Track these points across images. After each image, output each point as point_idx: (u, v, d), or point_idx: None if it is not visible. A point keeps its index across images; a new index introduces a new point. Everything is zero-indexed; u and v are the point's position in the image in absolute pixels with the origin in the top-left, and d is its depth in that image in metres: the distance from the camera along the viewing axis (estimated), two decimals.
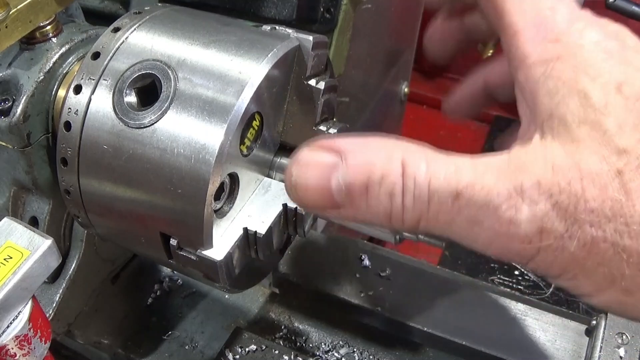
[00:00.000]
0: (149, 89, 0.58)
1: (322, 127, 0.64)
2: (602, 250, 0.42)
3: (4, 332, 0.51)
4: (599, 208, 0.42)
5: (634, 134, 0.42)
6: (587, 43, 0.46)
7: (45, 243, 0.53)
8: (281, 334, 0.92)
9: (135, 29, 0.61)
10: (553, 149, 0.44)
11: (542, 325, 0.86)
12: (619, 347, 0.78)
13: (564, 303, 1.42)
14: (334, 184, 0.48)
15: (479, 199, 0.45)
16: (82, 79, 0.59)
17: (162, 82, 0.56)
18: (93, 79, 0.59)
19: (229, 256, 0.57)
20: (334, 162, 0.48)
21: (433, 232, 0.48)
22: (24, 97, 0.63)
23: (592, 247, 0.43)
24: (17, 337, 0.52)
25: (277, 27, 0.61)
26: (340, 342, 0.90)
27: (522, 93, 0.49)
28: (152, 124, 0.55)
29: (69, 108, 0.59)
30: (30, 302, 0.53)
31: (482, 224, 0.45)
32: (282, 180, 0.65)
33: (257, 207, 0.62)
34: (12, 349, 0.52)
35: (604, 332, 0.80)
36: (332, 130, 0.64)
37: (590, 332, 0.84)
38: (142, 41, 0.60)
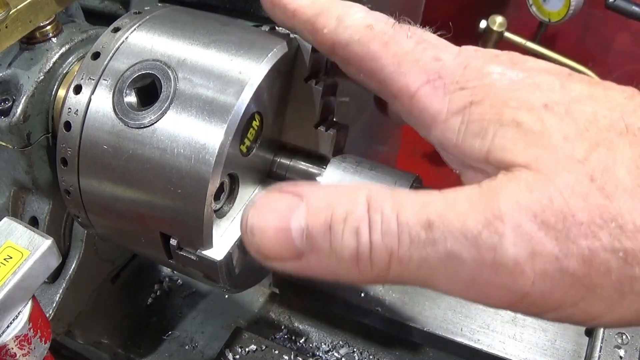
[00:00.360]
0: (149, 89, 0.58)
1: (322, 127, 0.64)
2: (604, 260, 0.39)
3: (4, 332, 0.51)
4: (588, 219, 0.39)
5: (582, 142, 0.41)
6: (493, 80, 0.45)
7: (45, 243, 0.53)
8: (281, 334, 0.92)
9: (135, 29, 0.61)
10: (519, 173, 0.42)
11: (542, 325, 0.86)
12: (619, 347, 0.78)
13: None
14: (294, 226, 0.44)
15: (454, 228, 0.41)
16: (82, 79, 0.59)
17: (162, 82, 0.56)
18: (93, 79, 0.59)
19: (229, 256, 0.57)
20: (293, 203, 0.45)
21: (406, 276, 0.43)
22: (24, 97, 0.63)
23: (593, 260, 0.39)
24: (17, 337, 0.52)
25: (277, 27, 0.61)
26: (340, 342, 0.91)
27: (445, 148, 0.47)
28: (152, 124, 0.55)
29: (69, 108, 0.59)
30: (30, 302, 0.53)
31: (460, 257, 0.41)
32: (282, 179, 0.65)
33: None
34: (12, 348, 0.52)
35: (603, 332, 0.80)
36: (331, 131, 0.64)
37: (590, 332, 0.84)
38: (142, 41, 0.60)
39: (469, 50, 0.49)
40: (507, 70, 0.46)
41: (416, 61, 0.48)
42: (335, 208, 0.44)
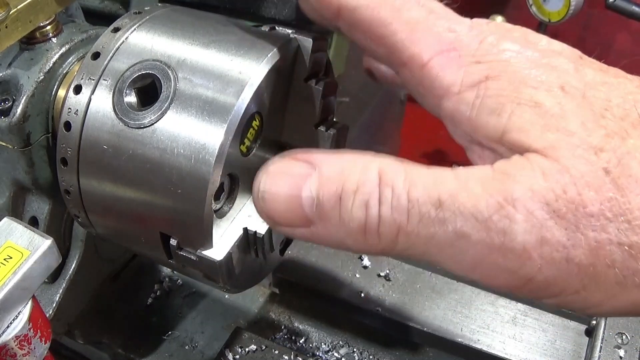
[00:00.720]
0: (149, 89, 0.58)
1: (322, 127, 0.64)
2: (609, 252, 0.40)
3: (4, 332, 0.51)
4: (598, 211, 0.39)
5: (599, 129, 0.41)
6: (509, 57, 0.45)
7: (45, 243, 0.53)
8: (281, 334, 0.92)
9: (135, 29, 0.61)
10: (534, 157, 0.42)
11: (542, 325, 0.87)
12: (619, 347, 0.78)
13: None
14: (305, 195, 0.46)
15: (465, 209, 0.41)
16: (82, 79, 0.59)
17: (162, 82, 0.56)
18: (93, 79, 0.59)
19: (229, 256, 0.57)
20: (306, 172, 0.46)
21: (413, 250, 0.44)
22: (24, 97, 0.63)
23: (599, 252, 0.40)
24: (17, 337, 0.52)
25: (277, 27, 0.61)
26: (340, 342, 0.91)
27: (456, 122, 0.47)
28: (152, 124, 0.55)
29: (69, 108, 0.59)
30: (30, 302, 0.53)
31: (469, 238, 0.41)
32: None
33: None
34: (12, 348, 0.52)
35: (603, 332, 0.80)
36: (331, 131, 0.64)
37: (590, 332, 0.84)
38: (142, 41, 0.60)
39: (482, 23, 0.48)
40: (522, 48, 0.46)
41: (429, 30, 0.47)
42: (347, 179, 0.45)
